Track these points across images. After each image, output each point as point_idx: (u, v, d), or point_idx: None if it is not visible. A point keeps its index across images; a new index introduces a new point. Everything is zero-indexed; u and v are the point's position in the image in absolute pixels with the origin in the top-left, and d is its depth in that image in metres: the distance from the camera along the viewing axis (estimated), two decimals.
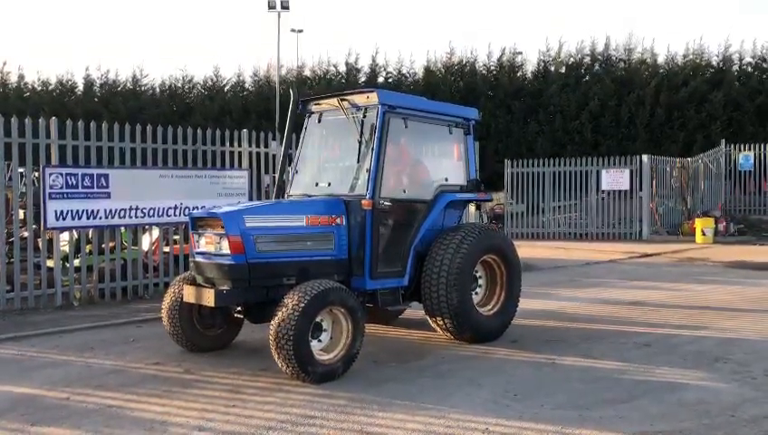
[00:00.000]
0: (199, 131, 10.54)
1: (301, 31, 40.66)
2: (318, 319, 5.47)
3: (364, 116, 6.43)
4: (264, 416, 4.73)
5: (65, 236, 9.38)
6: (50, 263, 9.11)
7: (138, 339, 7.16)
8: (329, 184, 6.76)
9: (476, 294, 7.01)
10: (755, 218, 21.11)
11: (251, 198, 10.89)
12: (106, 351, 6.65)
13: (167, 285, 10.02)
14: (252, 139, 11.28)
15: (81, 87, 32.73)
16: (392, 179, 6.53)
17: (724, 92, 25.56)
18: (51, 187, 8.71)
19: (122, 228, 9.72)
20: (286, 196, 7.07)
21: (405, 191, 6.70)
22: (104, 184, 9.19)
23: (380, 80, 30.40)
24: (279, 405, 4.95)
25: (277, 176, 7.27)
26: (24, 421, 4.66)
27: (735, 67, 27.15)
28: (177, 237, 10.44)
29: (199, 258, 5.97)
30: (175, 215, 9.98)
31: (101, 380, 5.65)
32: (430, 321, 6.78)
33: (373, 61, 30.52)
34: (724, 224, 19.41)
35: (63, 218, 8.84)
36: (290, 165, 7.52)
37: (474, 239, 6.62)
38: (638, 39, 43.72)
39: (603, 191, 19.60)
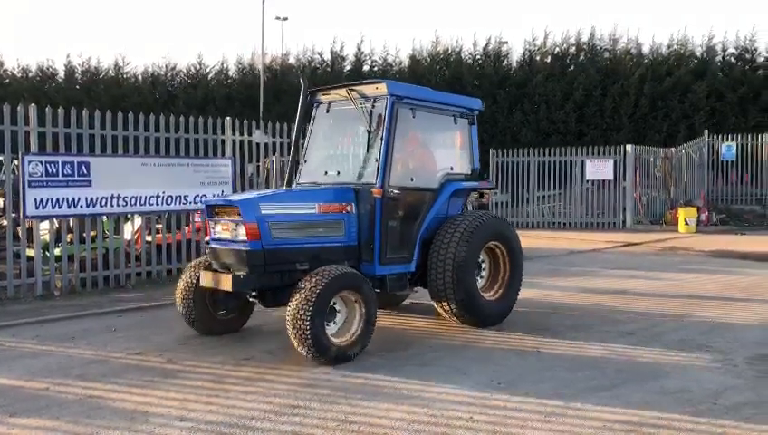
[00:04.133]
0: (182, 119, 10.43)
1: (285, 19, 40.40)
2: (332, 303, 5.64)
3: (373, 106, 6.56)
4: (246, 406, 4.69)
5: (45, 224, 9.26)
6: (30, 252, 8.98)
7: (119, 329, 7.09)
8: (338, 173, 6.93)
9: (480, 279, 7.19)
10: (737, 208, 21.31)
11: (234, 187, 10.81)
12: (87, 341, 6.57)
13: (149, 274, 9.98)
14: (235, 127, 11.18)
15: (62, 74, 32.24)
16: (400, 168, 6.67)
17: (707, 83, 25.66)
18: (30, 175, 8.58)
19: (104, 217, 9.61)
20: (295, 184, 7.19)
21: (412, 180, 6.81)
22: (85, 172, 9.07)
23: (366, 68, 30.20)
24: (262, 395, 4.91)
25: (288, 164, 7.38)
26: (3, 412, 4.59)
27: (719, 58, 27.25)
28: (159, 226, 10.34)
29: (215, 245, 6.13)
30: (157, 203, 9.89)
31: (82, 370, 5.58)
32: (435, 305, 6.95)
33: (358, 49, 30.31)
34: (707, 214, 19.57)
35: (43, 207, 8.72)
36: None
37: (478, 226, 6.78)
38: (623, 29, 43.82)
39: (587, 181, 19.70)
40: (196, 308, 6.48)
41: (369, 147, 6.55)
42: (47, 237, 9.32)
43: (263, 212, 5.90)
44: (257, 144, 11.60)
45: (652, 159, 20.39)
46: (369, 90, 6.67)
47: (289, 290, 5.76)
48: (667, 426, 4.30)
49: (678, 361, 5.78)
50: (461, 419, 4.44)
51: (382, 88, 6.52)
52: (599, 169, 19.48)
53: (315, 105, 7.29)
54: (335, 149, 7.47)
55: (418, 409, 4.62)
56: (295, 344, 5.56)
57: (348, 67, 30.30)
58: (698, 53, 27.31)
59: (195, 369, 5.58)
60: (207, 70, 31.72)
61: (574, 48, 28.50)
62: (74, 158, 9.04)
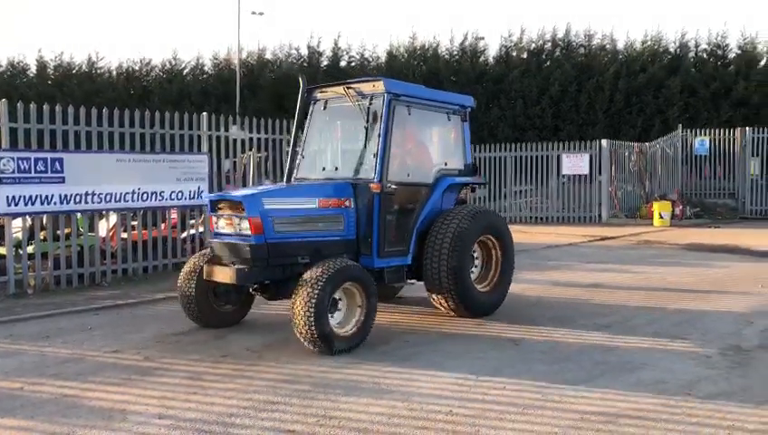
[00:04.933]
0: (157, 115, 10.32)
1: (261, 14, 40.19)
2: (334, 295, 5.77)
3: (370, 103, 6.70)
4: (226, 403, 4.66)
5: (18, 222, 9.11)
6: (2, 250, 8.84)
7: (95, 327, 7.00)
8: (336, 168, 7.13)
9: (473, 271, 7.37)
10: (710, 202, 21.63)
11: (211, 183, 10.73)
12: (62, 339, 6.49)
13: (125, 271, 9.88)
14: (212, 122, 11.09)
15: (33, 69, 31.73)
16: (397, 164, 6.82)
17: (680, 78, 26.00)
18: (2, 171, 8.44)
19: (78, 214, 9.49)
20: (293, 180, 7.35)
21: (409, 175, 7.00)
22: (58, 168, 8.94)
23: (343, 64, 30.14)
24: (241, 392, 4.89)
25: (288, 160, 7.50)
26: None
27: (692, 54, 27.61)
28: (135, 223, 10.23)
29: (218, 239, 6.30)
30: (133, 200, 9.78)
31: (57, 369, 5.51)
32: (430, 297, 7.14)
33: (335, 44, 30.22)
34: (681, 207, 19.83)
35: (16, 204, 8.58)
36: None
37: (472, 220, 6.98)
38: (597, 26, 44.19)
39: (564, 176, 19.86)
40: (198, 301, 6.57)
41: (366, 143, 6.71)
42: (20, 235, 9.17)
43: (266, 207, 6.04)
44: (234, 140, 11.53)
45: (627, 153, 20.62)
46: (366, 87, 6.80)
47: (290, 283, 5.99)
48: (643, 417, 4.36)
49: (653, 352, 5.87)
50: (440, 412, 4.46)
51: (379, 86, 6.66)
52: (574, 163, 19.66)
53: (312, 102, 7.40)
54: (332, 146, 7.61)
55: (398, 403, 4.63)
56: (299, 336, 5.69)
57: (325, 62, 30.21)
58: (672, 49, 27.66)
59: (173, 366, 5.54)
60: (183, 65, 31.43)
61: (550, 44, 28.70)
62: (47, 154, 8.91)
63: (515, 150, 20.25)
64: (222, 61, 31.66)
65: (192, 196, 10.52)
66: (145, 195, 9.90)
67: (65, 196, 9.01)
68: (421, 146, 7.55)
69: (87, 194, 9.23)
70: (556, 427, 4.22)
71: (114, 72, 31.65)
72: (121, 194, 9.62)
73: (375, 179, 6.47)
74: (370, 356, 5.77)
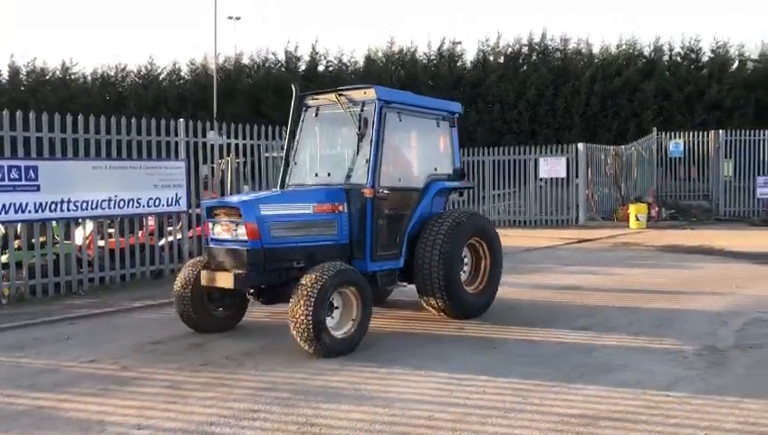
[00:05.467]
0: (134, 121, 10.22)
1: (238, 18, 39.90)
2: (330, 298, 5.84)
3: (362, 110, 6.79)
4: (205, 412, 4.62)
5: None
6: None
7: (72, 337, 6.91)
8: (328, 174, 7.20)
9: (463, 274, 7.49)
10: (685, 204, 21.92)
11: (188, 189, 10.66)
12: (38, 350, 6.39)
13: (102, 280, 9.76)
14: (189, 128, 11.01)
15: (5, 75, 31.30)
16: (388, 169, 6.93)
17: (655, 82, 26.36)
18: None
19: (53, 222, 9.36)
20: (286, 186, 7.45)
21: (400, 180, 7.14)
22: (33, 176, 8.81)
23: (321, 69, 30.14)
24: (221, 400, 4.85)
25: (282, 167, 7.60)
26: None
27: (666, 58, 28.02)
28: (112, 231, 10.12)
29: (214, 245, 6.38)
30: (109, 207, 9.67)
31: (33, 380, 5.42)
32: (421, 300, 7.24)
33: (313, 49, 30.20)
34: (657, 209, 20.08)
35: None
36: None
37: (461, 224, 7.12)
38: (573, 30, 44.67)
39: (541, 179, 20.01)
40: (194, 307, 6.62)
41: (358, 149, 6.81)
42: None
43: (262, 213, 6.14)
44: (211, 145, 11.46)
45: (603, 156, 20.84)
46: (357, 94, 6.92)
47: (286, 287, 6.11)
48: (622, 419, 4.40)
49: (632, 353, 5.92)
50: (421, 417, 4.46)
51: (371, 93, 6.77)
52: (552, 167, 19.82)
53: (304, 109, 7.48)
54: (324, 152, 7.71)
55: (379, 409, 4.62)
56: (297, 339, 5.75)
57: (303, 67, 30.16)
58: (646, 53, 28.05)
59: (151, 376, 5.48)
60: (159, 70, 31.23)
61: (526, 48, 28.97)
62: (21, 162, 8.77)
63: (493, 154, 20.37)
64: (199, 66, 31.51)
65: (170, 202, 10.43)
66: (122, 202, 9.80)
67: (40, 204, 8.88)
68: (412, 151, 7.75)
69: (62, 202, 9.11)
70: (536, 430, 4.25)
71: (89, 78, 31.34)
72: (98, 201, 9.51)
73: (368, 184, 6.59)
74: (351, 362, 5.75)
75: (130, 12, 74.71)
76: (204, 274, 6.39)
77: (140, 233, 10.33)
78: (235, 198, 6.83)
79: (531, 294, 8.85)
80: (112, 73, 31.29)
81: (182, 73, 31.33)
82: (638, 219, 18.56)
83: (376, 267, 6.78)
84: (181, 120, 11.05)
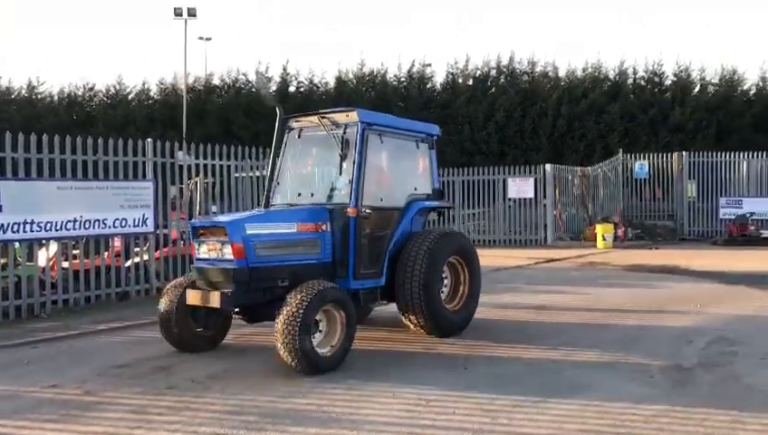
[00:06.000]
0: (100, 141, 10.09)
1: (209, 39, 39.81)
2: (316, 316, 5.93)
3: (344, 132, 6.92)
4: None
5: None
6: None
7: (33, 361, 6.73)
8: (311, 194, 7.36)
9: (443, 292, 7.64)
10: (651, 224, 22.30)
11: (156, 210, 10.54)
12: None
13: (66, 302, 9.55)
14: (157, 148, 10.91)
15: None
16: (370, 189, 7.04)
17: (620, 105, 26.93)
18: None
19: (16, 244, 9.16)
20: (270, 206, 7.55)
21: (382, 200, 7.26)
22: None
23: (292, 89, 30.22)
24: (186, 424, 4.76)
25: (266, 187, 7.71)
26: None
27: (630, 81, 28.67)
28: (77, 252, 9.93)
29: (201, 264, 6.45)
30: (75, 228, 9.51)
31: None
32: (402, 317, 7.37)
33: (284, 70, 30.31)
34: (623, 229, 20.40)
35: None
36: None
37: (441, 242, 7.30)
38: (540, 53, 45.44)
39: (510, 199, 20.21)
40: (178, 326, 6.67)
41: (341, 170, 6.95)
42: None
43: (248, 232, 6.24)
44: (180, 166, 11.36)
45: (570, 177, 21.15)
46: (340, 117, 7.08)
47: (270, 306, 6.15)
48: None
49: (599, 372, 5.98)
50: None
51: (353, 116, 6.96)
52: (520, 187, 20.04)
53: (287, 131, 7.61)
54: (307, 172, 7.88)
55: (347, 432, 4.59)
56: (284, 356, 5.81)
57: (273, 88, 30.19)
58: (611, 76, 28.70)
59: (115, 400, 5.36)
60: (128, 90, 31.01)
61: (495, 71, 29.40)
62: None
63: (463, 175, 20.53)
64: (168, 86, 31.35)
65: (137, 223, 10.30)
66: (87, 223, 9.64)
67: (2, 225, 8.69)
68: (393, 172, 7.90)
69: (26, 223, 8.93)
70: None
71: (56, 97, 31.00)
72: (62, 222, 9.34)
73: (351, 204, 6.71)
74: (321, 383, 5.71)
75: (99, 31, 74.15)
76: (190, 293, 6.47)
77: (106, 254, 10.16)
78: (221, 218, 6.93)
79: (500, 314, 8.89)
80: (80, 93, 31.02)
81: (151, 93, 31.19)
82: (604, 239, 18.82)
83: (358, 285, 6.89)
84: (149, 139, 10.94)
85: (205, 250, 6.40)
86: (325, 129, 7.12)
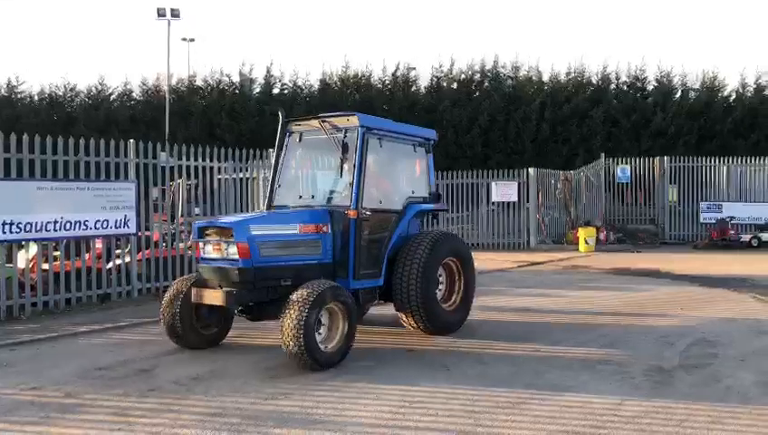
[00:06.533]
0: (82, 141, 9.99)
1: (192, 40, 39.57)
2: (319, 315, 6.09)
3: (345, 136, 7.06)
4: None
5: None
6: None
7: (11, 363, 6.65)
8: (312, 196, 7.55)
9: (439, 292, 7.79)
10: (632, 228, 22.46)
11: (138, 212, 10.45)
12: None
13: (46, 304, 9.44)
14: (139, 149, 10.82)
15: None
16: (370, 192, 7.22)
17: (603, 109, 27.11)
18: None
19: None
20: (272, 207, 7.69)
21: (381, 202, 7.45)
22: None
23: (276, 91, 30.07)
24: (168, 426, 4.73)
25: (269, 189, 7.86)
26: None
27: (613, 86, 28.87)
28: (57, 253, 9.82)
29: (205, 264, 6.63)
30: (55, 230, 9.40)
31: None
32: (400, 316, 7.55)
33: (268, 72, 30.15)
34: (605, 233, 20.55)
35: None
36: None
37: (437, 244, 7.48)
38: (524, 58, 45.78)
39: (493, 203, 20.28)
40: (182, 324, 6.80)
41: (341, 173, 7.07)
42: None
43: (252, 233, 6.41)
44: (162, 167, 11.28)
45: (553, 181, 21.26)
46: (340, 121, 7.24)
47: (273, 305, 6.42)
48: None
49: (581, 374, 6.01)
50: None
51: (354, 120, 7.13)
52: (504, 191, 20.12)
53: (288, 134, 7.76)
54: (308, 175, 8.07)
55: (330, 433, 4.58)
56: (289, 353, 5.96)
57: (257, 89, 30.08)
58: (594, 81, 28.86)
59: (96, 402, 5.32)
60: (110, 91, 30.73)
61: (479, 75, 29.48)
62: None
63: (447, 178, 20.57)
64: (151, 87, 31.11)
65: (118, 225, 10.21)
66: (68, 224, 9.54)
67: None
68: (391, 175, 8.09)
69: (4, 224, 8.82)
70: None
71: (36, 98, 30.64)
72: (42, 223, 9.24)
73: (351, 206, 6.89)
74: (303, 385, 5.69)
75: (81, 30, 73.51)
76: (194, 291, 6.66)
77: (87, 256, 10.06)
78: (226, 219, 7.15)
79: (484, 316, 8.91)
80: (61, 93, 30.68)
81: (134, 94, 30.92)
82: (587, 243, 18.96)
83: (358, 285, 7.06)
84: (131, 141, 10.85)
85: (210, 250, 6.57)
86: (326, 132, 7.28)
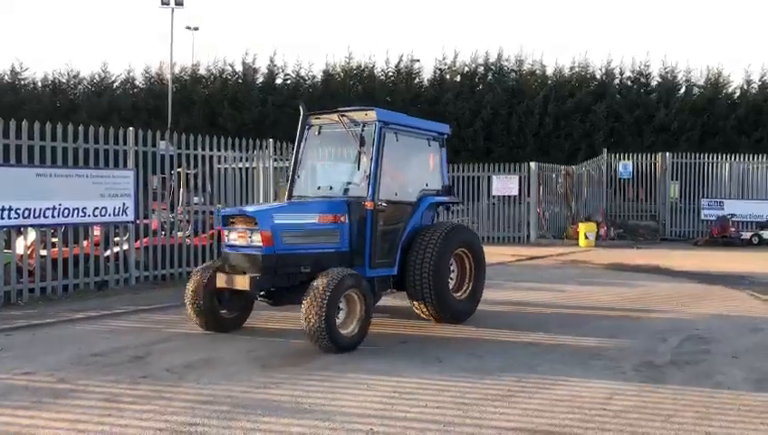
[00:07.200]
0: (81, 128, 10.01)
1: (196, 29, 39.55)
2: (339, 300, 6.38)
3: (363, 130, 7.34)
4: (141, 425, 4.53)
5: None
6: None
7: (7, 348, 6.69)
8: (330, 188, 7.81)
9: (450, 281, 8.03)
10: (633, 224, 22.45)
11: (137, 199, 10.48)
12: None
13: (43, 290, 9.48)
14: (139, 138, 10.83)
15: None
16: (386, 184, 7.44)
17: (606, 104, 27.01)
18: None
19: None
20: (292, 198, 7.96)
21: (396, 194, 7.68)
22: None
23: (278, 81, 30.01)
24: (159, 413, 4.76)
25: (289, 179, 8.13)
26: None
27: (617, 81, 28.75)
28: (55, 240, 9.85)
29: (230, 250, 6.96)
30: (53, 216, 9.44)
31: None
32: (412, 305, 7.82)
33: (271, 62, 30.06)
34: (605, 228, 20.54)
35: None
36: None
37: (449, 235, 7.72)
38: (528, 51, 45.55)
39: (494, 196, 20.26)
40: (206, 308, 7.08)
41: (358, 165, 7.34)
42: None
43: (275, 222, 6.73)
44: (162, 155, 11.29)
45: (554, 175, 21.24)
46: (358, 116, 7.51)
47: (293, 290, 6.77)
48: (558, 432, 4.48)
49: (573, 368, 6.02)
50: (361, 431, 4.46)
51: (372, 115, 7.37)
52: (504, 185, 20.10)
53: (307, 127, 8.00)
54: (326, 167, 8.41)
55: (319, 422, 4.60)
56: (309, 337, 6.27)
57: (260, 79, 30.02)
58: (598, 76, 28.75)
59: (88, 388, 5.35)
60: (113, 78, 30.70)
61: (483, 68, 29.38)
62: None
63: (449, 171, 20.51)
64: (154, 75, 31.08)
65: (117, 212, 10.24)
66: (66, 211, 9.57)
67: None
68: (406, 168, 8.31)
69: (3, 209, 8.85)
70: None
71: (39, 84, 30.65)
72: (41, 210, 9.27)
73: (368, 198, 7.14)
74: (294, 375, 5.72)
75: (85, 18, 73.44)
76: (219, 276, 6.93)
77: (86, 243, 10.09)
78: (250, 208, 7.55)
79: (480, 309, 8.85)
80: (64, 80, 30.67)
81: (136, 82, 30.88)
82: (587, 238, 18.95)
83: (373, 274, 7.30)
84: (131, 129, 10.85)
85: (234, 237, 6.88)
86: (344, 126, 7.52)
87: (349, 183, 7.69)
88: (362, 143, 7.24)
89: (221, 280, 6.91)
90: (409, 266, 7.57)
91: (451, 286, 8.04)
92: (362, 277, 6.80)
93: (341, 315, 6.52)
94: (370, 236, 7.20)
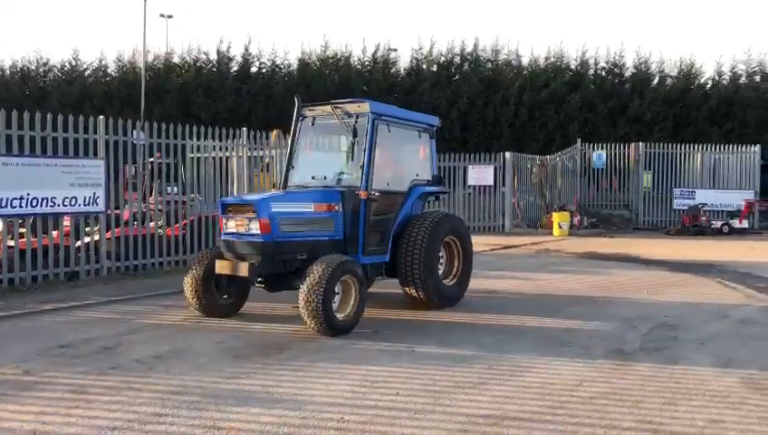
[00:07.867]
0: (49, 117, 9.82)
1: (170, 16, 39.08)
2: (335, 285, 6.57)
3: (356, 122, 7.56)
4: (109, 416, 4.49)
5: None
6: None
7: None
8: (324, 177, 8.01)
9: (440, 268, 8.35)
10: (606, 213, 22.68)
11: (107, 189, 10.33)
12: None
13: (11, 281, 9.32)
14: (109, 126, 10.65)
15: None
16: (378, 174, 7.66)
17: (580, 95, 27.17)
18: None
19: None
20: (287, 187, 8.16)
21: (388, 184, 7.93)
22: None
23: (254, 70, 29.72)
24: (127, 404, 4.71)
25: (285, 169, 8.39)
26: None
27: (591, 71, 28.91)
28: (23, 230, 9.68)
29: (228, 238, 7.15)
30: (21, 206, 9.26)
31: None
32: (404, 290, 8.06)
33: (246, 50, 29.74)
34: (579, 218, 20.72)
35: None
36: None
37: (438, 224, 8.02)
38: (504, 41, 45.63)
39: (469, 186, 20.32)
40: (205, 294, 7.27)
41: (352, 156, 7.56)
42: None
43: (273, 210, 6.95)
44: (134, 144, 11.13)
45: (529, 165, 21.36)
46: (352, 108, 7.74)
47: (289, 277, 7.06)
48: (528, 419, 4.51)
49: (543, 356, 6.07)
50: (332, 420, 4.46)
51: (365, 107, 7.62)
52: (480, 174, 20.16)
53: (301, 119, 8.21)
54: (321, 158, 8.64)
55: (290, 412, 4.59)
56: (307, 321, 6.50)
57: (235, 68, 29.72)
58: (573, 66, 28.88)
59: (54, 380, 5.27)
60: (84, 66, 30.19)
61: (459, 58, 29.38)
62: None
63: None
64: (126, 63, 30.60)
65: (87, 202, 10.08)
66: (35, 201, 9.41)
67: None
68: (398, 159, 8.51)
69: None
70: (443, 431, 4.30)
71: (8, 71, 30.04)
72: (8, 199, 9.10)
73: (362, 187, 7.38)
74: (266, 365, 5.70)
75: (55, 3, 72.02)
76: (218, 263, 7.12)
77: (55, 233, 9.93)
78: (248, 197, 7.86)
79: None
80: (33, 67, 30.09)
81: (109, 70, 30.38)
82: (560, 227, 19.11)
83: (366, 260, 7.55)
84: (101, 117, 10.67)
85: (233, 225, 7.09)
86: (338, 118, 7.73)
87: (342, 173, 7.89)
88: (355, 134, 7.43)
89: (220, 267, 7.09)
90: (401, 254, 7.81)
91: (440, 273, 8.32)
92: (357, 264, 7.03)
93: (337, 300, 6.71)
94: (364, 225, 7.44)
